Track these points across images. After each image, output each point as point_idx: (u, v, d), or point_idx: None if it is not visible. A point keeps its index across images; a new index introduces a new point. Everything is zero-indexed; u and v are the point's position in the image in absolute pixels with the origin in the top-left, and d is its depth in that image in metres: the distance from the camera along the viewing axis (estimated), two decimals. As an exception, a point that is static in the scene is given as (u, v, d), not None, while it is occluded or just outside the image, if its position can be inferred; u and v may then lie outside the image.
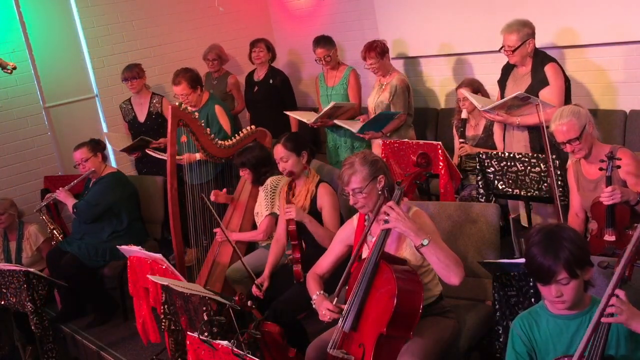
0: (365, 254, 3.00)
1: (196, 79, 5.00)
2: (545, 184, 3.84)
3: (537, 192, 3.91)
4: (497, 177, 4.03)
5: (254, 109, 6.28)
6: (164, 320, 3.51)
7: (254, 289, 3.78)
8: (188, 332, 2.74)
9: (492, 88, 4.72)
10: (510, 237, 4.28)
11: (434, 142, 4.30)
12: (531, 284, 2.82)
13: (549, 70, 4.09)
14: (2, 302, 4.23)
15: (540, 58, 4.17)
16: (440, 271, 2.80)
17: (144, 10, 6.61)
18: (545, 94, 4.04)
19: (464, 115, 4.85)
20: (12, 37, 5.85)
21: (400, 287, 2.73)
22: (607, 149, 3.39)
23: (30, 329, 4.17)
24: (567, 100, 4.14)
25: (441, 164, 4.22)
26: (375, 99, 5.20)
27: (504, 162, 3.97)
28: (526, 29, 4.11)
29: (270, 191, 4.24)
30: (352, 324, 2.84)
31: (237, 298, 3.13)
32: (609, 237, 3.26)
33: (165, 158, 4.68)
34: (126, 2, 6.50)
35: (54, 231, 5.15)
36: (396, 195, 2.91)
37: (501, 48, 4.20)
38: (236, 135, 4.71)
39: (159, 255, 3.54)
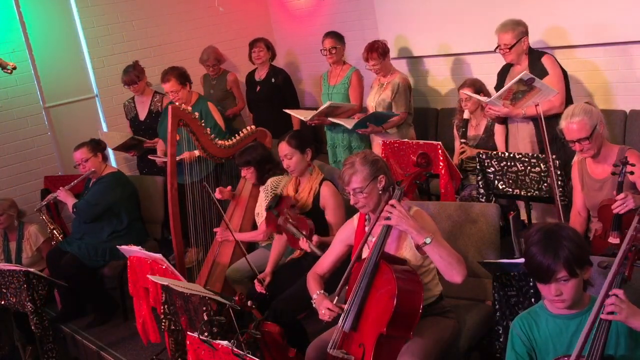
0: (365, 254, 3.00)
1: (184, 76, 5.08)
2: (545, 184, 3.84)
3: (537, 192, 3.91)
4: (497, 177, 4.03)
5: (257, 109, 6.29)
6: (164, 320, 3.51)
7: (257, 284, 3.78)
8: (188, 332, 2.74)
9: (493, 88, 4.72)
10: (510, 237, 4.28)
11: (434, 142, 4.31)
12: (531, 284, 2.82)
13: (546, 61, 4.18)
14: (2, 302, 4.23)
15: (536, 53, 4.27)
16: (443, 269, 2.80)
17: (144, 10, 6.61)
18: (546, 81, 4.05)
19: (465, 115, 4.85)
20: (12, 37, 5.85)
21: (400, 287, 2.73)
22: (616, 149, 3.37)
23: (30, 329, 4.17)
24: (567, 90, 4.18)
25: (441, 164, 4.23)
26: (376, 98, 5.20)
27: (504, 162, 3.97)
28: (520, 27, 4.20)
29: (271, 191, 4.24)
30: (352, 323, 2.84)
31: (237, 298, 3.13)
32: (614, 240, 3.23)
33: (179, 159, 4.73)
34: (126, 2, 6.50)
35: (54, 231, 5.15)
36: (396, 195, 2.92)
37: (497, 48, 4.25)
38: (236, 135, 4.71)
39: (159, 255, 3.54)
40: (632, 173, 3.16)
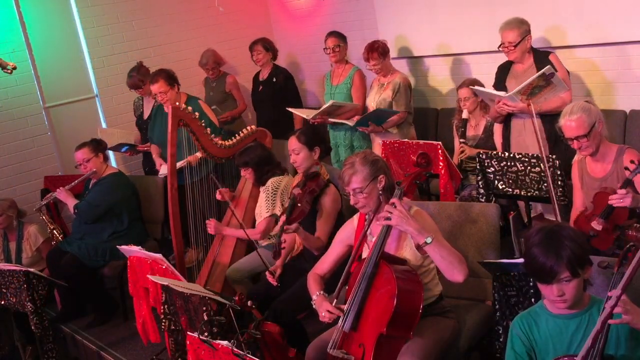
0: (365, 254, 3.00)
1: (173, 77, 5.07)
2: (545, 184, 3.84)
3: (537, 192, 3.91)
4: (497, 177, 4.03)
5: (260, 109, 6.30)
6: (164, 320, 3.51)
7: (268, 276, 3.78)
8: (188, 332, 2.74)
9: (491, 86, 4.72)
10: (510, 237, 4.28)
11: (434, 142, 4.31)
12: (531, 284, 2.82)
13: (553, 58, 4.23)
14: (2, 302, 4.23)
15: (541, 52, 4.31)
16: (444, 269, 2.80)
17: (144, 10, 6.61)
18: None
19: (464, 115, 4.86)
20: (12, 37, 5.85)
21: (400, 287, 2.73)
22: (615, 148, 3.38)
23: (30, 329, 4.17)
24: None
25: (441, 164, 4.23)
26: (377, 98, 5.20)
27: (504, 162, 3.96)
28: (524, 26, 4.23)
29: (272, 192, 4.24)
30: (352, 324, 2.84)
31: (237, 298, 3.13)
32: (596, 226, 3.27)
33: (183, 165, 4.72)
34: (126, 2, 6.50)
35: (54, 231, 5.15)
36: (396, 195, 2.92)
37: (500, 46, 4.26)
38: (236, 135, 4.71)
39: (159, 255, 3.54)
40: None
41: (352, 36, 6.09)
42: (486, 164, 4.04)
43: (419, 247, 2.89)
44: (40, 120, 6.05)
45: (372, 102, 5.25)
